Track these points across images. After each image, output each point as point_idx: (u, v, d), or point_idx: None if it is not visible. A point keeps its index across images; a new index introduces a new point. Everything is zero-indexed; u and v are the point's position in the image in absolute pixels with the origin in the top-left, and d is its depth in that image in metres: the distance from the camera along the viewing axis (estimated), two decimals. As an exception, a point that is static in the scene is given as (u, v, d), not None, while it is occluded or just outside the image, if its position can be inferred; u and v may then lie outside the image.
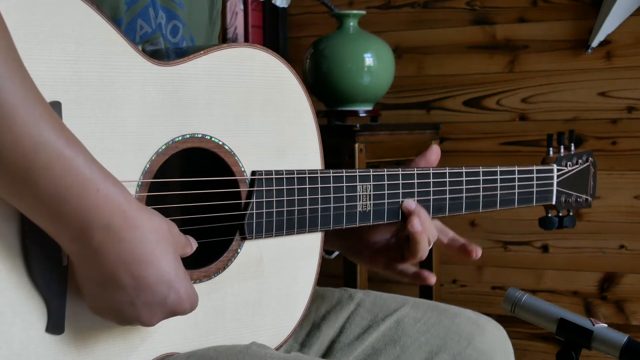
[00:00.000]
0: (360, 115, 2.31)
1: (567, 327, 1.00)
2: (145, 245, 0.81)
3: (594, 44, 2.35)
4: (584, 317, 1.00)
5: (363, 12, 2.33)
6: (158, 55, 0.95)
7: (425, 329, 1.15)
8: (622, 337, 0.97)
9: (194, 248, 0.91)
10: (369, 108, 2.31)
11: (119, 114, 0.88)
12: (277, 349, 1.06)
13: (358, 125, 2.13)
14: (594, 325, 0.99)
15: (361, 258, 1.22)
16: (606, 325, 0.99)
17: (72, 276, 0.84)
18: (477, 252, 1.20)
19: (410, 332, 1.15)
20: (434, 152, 1.22)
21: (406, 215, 1.14)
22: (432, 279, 1.19)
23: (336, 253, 1.25)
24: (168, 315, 0.87)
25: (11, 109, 0.73)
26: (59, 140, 0.76)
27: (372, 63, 2.24)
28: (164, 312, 0.86)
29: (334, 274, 2.20)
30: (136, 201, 0.83)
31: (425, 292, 2.48)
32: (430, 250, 2.56)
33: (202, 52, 0.96)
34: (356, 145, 2.10)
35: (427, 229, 1.13)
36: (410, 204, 1.14)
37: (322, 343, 1.16)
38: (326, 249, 1.23)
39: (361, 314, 1.18)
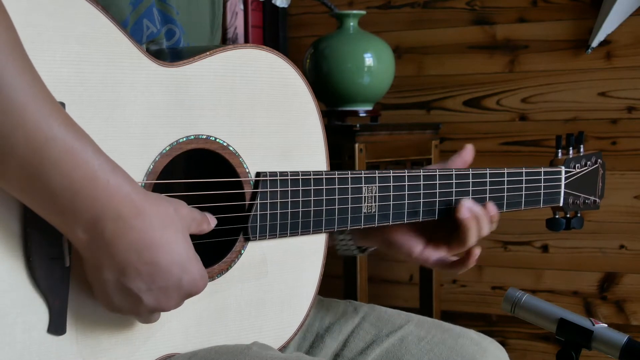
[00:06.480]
0: (360, 115, 2.30)
1: (567, 327, 1.00)
2: (154, 231, 0.83)
3: (594, 44, 2.35)
4: (584, 317, 1.00)
5: (363, 12, 2.33)
6: (162, 55, 0.95)
7: (428, 347, 1.14)
8: (622, 337, 0.98)
9: (212, 225, 0.92)
10: (369, 108, 2.31)
11: (123, 114, 0.88)
12: (281, 349, 1.06)
13: (358, 125, 2.13)
14: (594, 325, 0.99)
15: (401, 251, 1.20)
16: (606, 325, 0.99)
17: (75, 277, 0.85)
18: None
19: (414, 351, 1.14)
20: (469, 151, 1.23)
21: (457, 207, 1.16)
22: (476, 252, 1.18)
23: (371, 249, 1.24)
24: (184, 297, 0.88)
25: (22, 105, 0.74)
26: (68, 134, 0.77)
27: (372, 63, 2.24)
28: (180, 294, 0.87)
29: (334, 275, 2.20)
30: (142, 189, 0.84)
31: (426, 292, 2.48)
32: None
33: (207, 53, 0.96)
34: (356, 145, 2.10)
35: (477, 218, 1.15)
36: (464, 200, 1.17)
37: (326, 355, 1.15)
38: (359, 246, 1.23)
39: (365, 328, 1.18)
